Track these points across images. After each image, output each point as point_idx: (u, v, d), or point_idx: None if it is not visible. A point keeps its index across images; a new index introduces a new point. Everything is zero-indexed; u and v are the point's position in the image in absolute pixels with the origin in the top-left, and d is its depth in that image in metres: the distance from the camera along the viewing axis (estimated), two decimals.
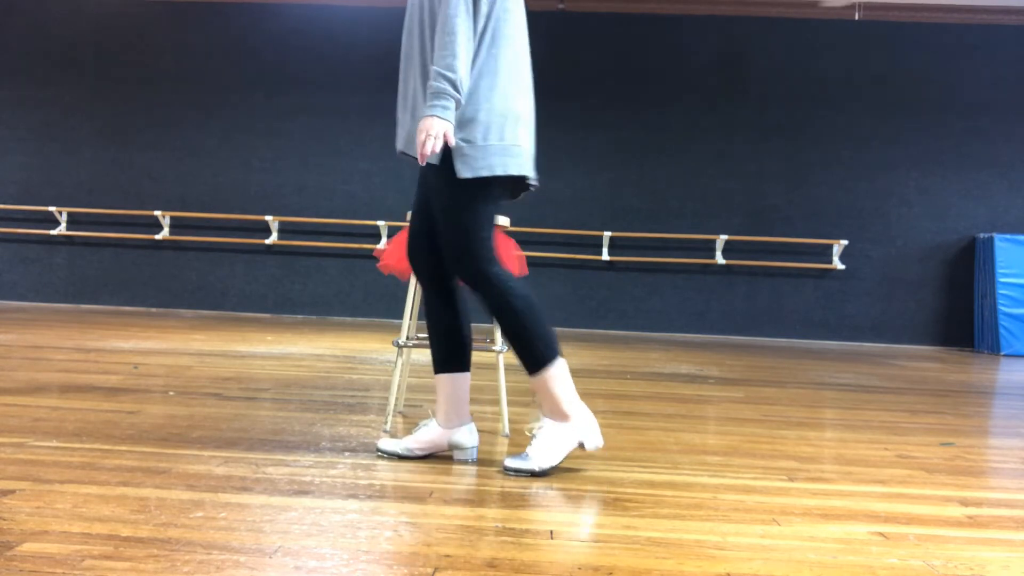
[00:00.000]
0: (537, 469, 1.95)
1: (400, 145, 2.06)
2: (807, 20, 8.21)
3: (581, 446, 2.00)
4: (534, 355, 1.96)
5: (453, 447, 2.08)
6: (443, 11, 1.86)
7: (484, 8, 1.92)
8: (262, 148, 8.38)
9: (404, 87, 2.04)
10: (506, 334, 1.98)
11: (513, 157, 1.95)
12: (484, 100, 1.93)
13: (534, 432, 2.01)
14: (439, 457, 2.11)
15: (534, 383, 1.99)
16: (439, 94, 1.82)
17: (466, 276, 1.97)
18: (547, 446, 1.97)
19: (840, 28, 8.21)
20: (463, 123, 1.91)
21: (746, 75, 8.21)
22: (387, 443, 2.10)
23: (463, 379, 2.09)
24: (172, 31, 8.51)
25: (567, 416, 1.98)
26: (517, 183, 2.10)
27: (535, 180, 2.08)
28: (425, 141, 1.80)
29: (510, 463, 1.97)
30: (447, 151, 1.92)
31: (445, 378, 2.08)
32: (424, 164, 1.88)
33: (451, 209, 1.94)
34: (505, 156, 1.93)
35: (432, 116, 1.81)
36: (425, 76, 1.97)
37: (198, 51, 8.48)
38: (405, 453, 2.08)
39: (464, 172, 1.90)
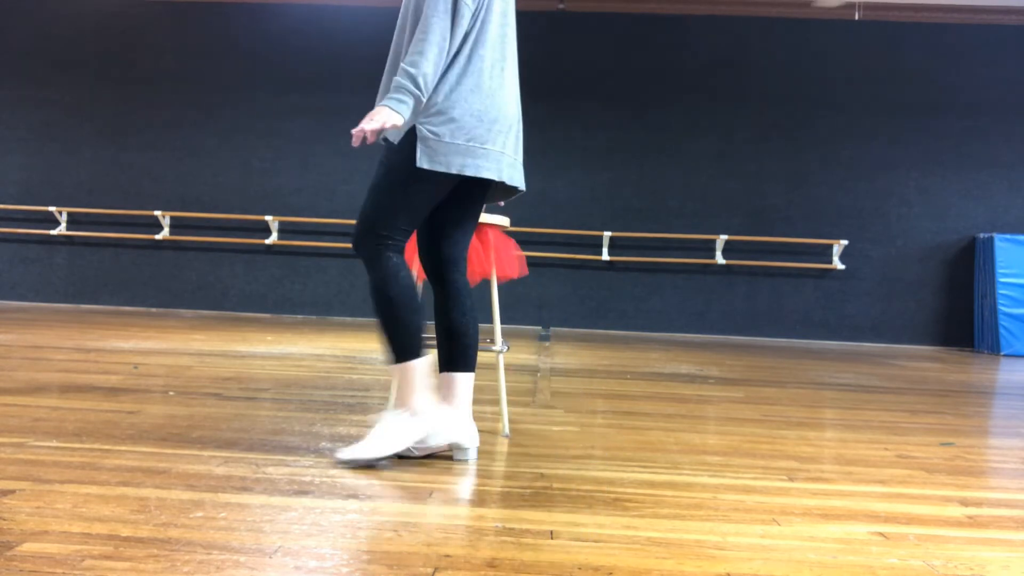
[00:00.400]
0: (370, 457, 1.96)
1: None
2: (807, 20, 8.21)
3: (457, 447, 2.05)
4: (396, 346, 1.99)
5: (453, 447, 2.08)
6: (424, 11, 1.89)
7: (468, 9, 1.92)
8: (262, 148, 8.38)
9: (386, 80, 2.08)
10: (378, 317, 2.01)
11: (478, 159, 1.95)
12: (463, 100, 1.94)
13: (379, 418, 2.05)
14: (439, 457, 2.11)
15: (394, 370, 2.02)
16: (399, 88, 1.85)
17: (363, 250, 1.98)
18: (385, 434, 1.98)
19: (840, 28, 8.21)
20: (438, 116, 1.92)
21: (746, 75, 8.21)
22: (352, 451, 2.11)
23: (466, 379, 2.09)
24: (172, 31, 8.51)
25: (413, 411, 2.00)
26: (504, 187, 2.13)
27: (517, 184, 2.07)
28: (364, 121, 1.81)
29: (342, 455, 1.98)
30: (412, 136, 1.93)
31: (449, 377, 2.09)
32: (358, 143, 1.90)
33: (383, 185, 1.96)
34: (467, 157, 1.94)
35: (384, 106, 1.83)
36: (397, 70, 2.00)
37: (198, 51, 8.48)
38: (405, 453, 2.08)
39: (422, 161, 1.91)
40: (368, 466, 1.97)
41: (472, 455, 2.08)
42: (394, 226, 1.96)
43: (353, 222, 8.08)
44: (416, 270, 2.37)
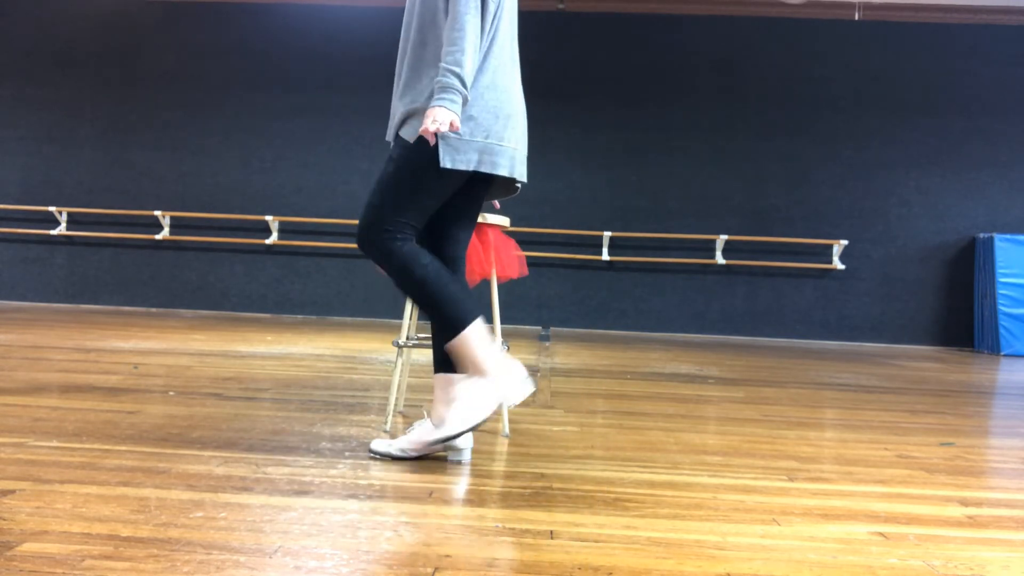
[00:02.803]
0: (459, 431, 1.94)
1: (390, 136, 2.08)
2: (807, 20, 8.21)
3: (446, 451, 2.03)
4: (447, 321, 1.95)
5: (447, 448, 2.08)
6: (453, 8, 1.88)
7: (492, 7, 1.94)
8: (262, 148, 8.38)
9: (398, 80, 2.07)
10: (418, 304, 1.98)
11: (496, 156, 1.96)
12: (481, 97, 1.95)
13: (454, 394, 1.99)
14: (438, 457, 2.11)
15: (451, 349, 1.98)
16: (446, 88, 1.84)
17: (370, 248, 1.96)
18: (464, 407, 1.95)
19: (840, 28, 8.21)
20: None
21: (746, 75, 8.21)
22: (380, 444, 2.09)
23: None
24: (172, 31, 8.51)
25: (486, 373, 1.97)
26: (506, 183, 2.13)
27: (522, 179, 2.08)
28: (428, 123, 1.81)
29: (436, 434, 1.96)
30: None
31: (443, 378, 2.08)
32: (406, 134, 1.88)
33: (393, 182, 1.94)
34: (487, 154, 1.95)
35: (439, 107, 1.82)
36: (414, 68, 1.98)
37: (198, 51, 8.48)
38: (399, 454, 2.07)
39: (445, 161, 1.91)
40: (375, 462, 1.97)
41: (466, 457, 2.08)
42: (402, 222, 1.95)
43: (354, 222, 8.08)
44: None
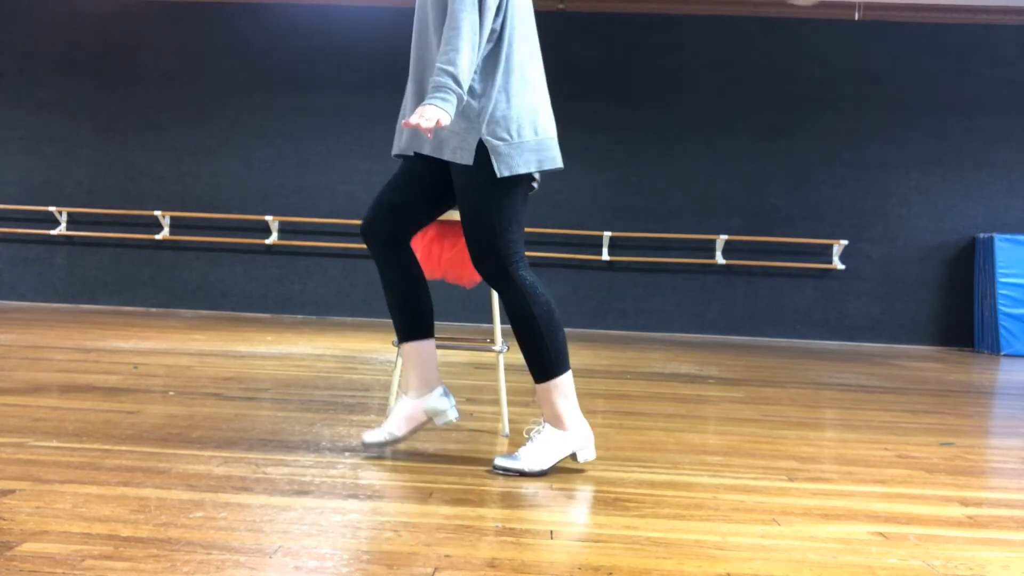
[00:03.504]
0: (527, 470, 1.95)
1: (401, 146, 2.07)
2: (807, 20, 8.21)
3: (573, 456, 2.01)
4: (543, 364, 1.98)
5: (432, 414, 2.08)
6: (450, 7, 1.87)
7: (492, 3, 1.91)
8: (262, 148, 8.38)
9: (417, 87, 2.05)
10: (519, 338, 2.00)
11: (547, 151, 1.98)
12: (512, 96, 1.94)
13: (531, 434, 2.02)
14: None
15: (539, 390, 2.01)
16: (439, 87, 1.83)
17: (489, 276, 1.98)
18: (540, 450, 1.97)
19: (840, 28, 8.21)
20: (494, 122, 1.92)
21: (746, 75, 8.21)
22: (372, 435, 2.11)
23: (428, 346, 2.09)
24: (172, 31, 8.51)
25: (566, 427, 1.99)
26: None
27: (558, 167, 2.09)
28: (414, 118, 1.79)
29: (500, 461, 1.98)
30: (482, 151, 1.91)
31: (411, 347, 2.08)
32: (449, 156, 1.87)
33: (480, 208, 1.94)
34: (540, 152, 1.96)
35: (431, 104, 1.81)
36: (423, 73, 1.98)
37: (198, 51, 8.48)
38: (389, 438, 2.08)
39: (503, 171, 1.90)
40: (375, 462, 1.97)
41: (453, 415, 2.08)
42: (512, 244, 1.96)
43: (353, 222, 8.09)
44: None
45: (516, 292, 1.96)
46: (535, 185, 2.10)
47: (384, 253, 2.06)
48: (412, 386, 2.08)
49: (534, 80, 2.00)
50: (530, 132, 1.94)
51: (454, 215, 2.30)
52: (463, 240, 2.37)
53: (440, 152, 1.97)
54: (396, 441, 2.09)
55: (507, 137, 1.92)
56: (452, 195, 2.12)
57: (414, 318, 2.07)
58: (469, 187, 1.95)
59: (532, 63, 2.02)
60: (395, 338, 2.47)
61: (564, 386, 1.99)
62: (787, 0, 7.98)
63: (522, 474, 1.95)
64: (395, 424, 2.08)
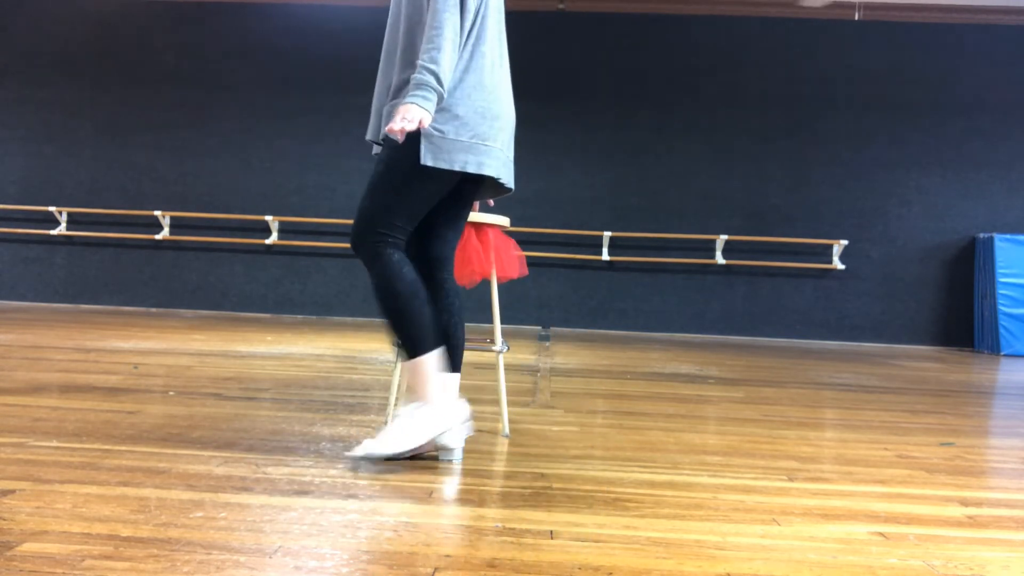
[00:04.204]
0: (388, 453, 1.93)
1: (371, 136, 2.07)
2: (807, 20, 8.21)
3: (442, 451, 2.02)
4: (409, 341, 1.96)
5: (439, 448, 2.07)
6: (432, 5, 1.86)
7: (472, 5, 1.92)
8: (262, 148, 8.38)
9: (383, 79, 2.05)
10: (385, 315, 1.98)
11: (480, 156, 1.94)
12: (467, 97, 1.93)
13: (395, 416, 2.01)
14: (436, 457, 2.10)
15: (407, 366, 2.00)
16: (421, 85, 1.82)
17: (362, 250, 1.96)
18: (403, 430, 1.95)
19: (840, 28, 8.21)
20: (442, 113, 1.91)
21: (746, 75, 8.21)
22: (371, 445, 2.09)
23: (451, 380, 2.08)
24: (172, 31, 8.51)
25: (431, 404, 1.98)
26: (496, 185, 2.10)
27: (508, 183, 2.07)
28: (397, 120, 1.79)
29: (359, 450, 1.95)
30: (415, 134, 1.91)
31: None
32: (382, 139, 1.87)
33: (385, 180, 1.94)
34: (471, 154, 1.93)
35: (412, 103, 1.81)
36: (406, 71, 1.97)
37: (198, 51, 8.48)
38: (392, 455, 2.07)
39: (427, 159, 1.89)
40: (379, 463, 1.97)
41: (458, 456, 2.08)
42: (393, 224, 1.94)
43: (353, 222, 8.09)
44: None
45: (383, 268, 1.93)
46: (509, 189, 2.09)
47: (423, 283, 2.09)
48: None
49: (492, 87, 1.97)
50: (469, 134, 1.92)
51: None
52: (462, 241, 2.36)
53: (380, 133, 2.00)
54: (394, 459, 2.07)
55: (445, 131, 1.90)
56: (464, 201, 2.11)
57: (445, 351, 2.07)
58: (384, 161, 1.95)
59: (495, 71, 1.99)
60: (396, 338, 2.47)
61: (433, 364, 1.97)
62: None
63: (382, 457, 1.93)
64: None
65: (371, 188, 1.96)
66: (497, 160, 1.99)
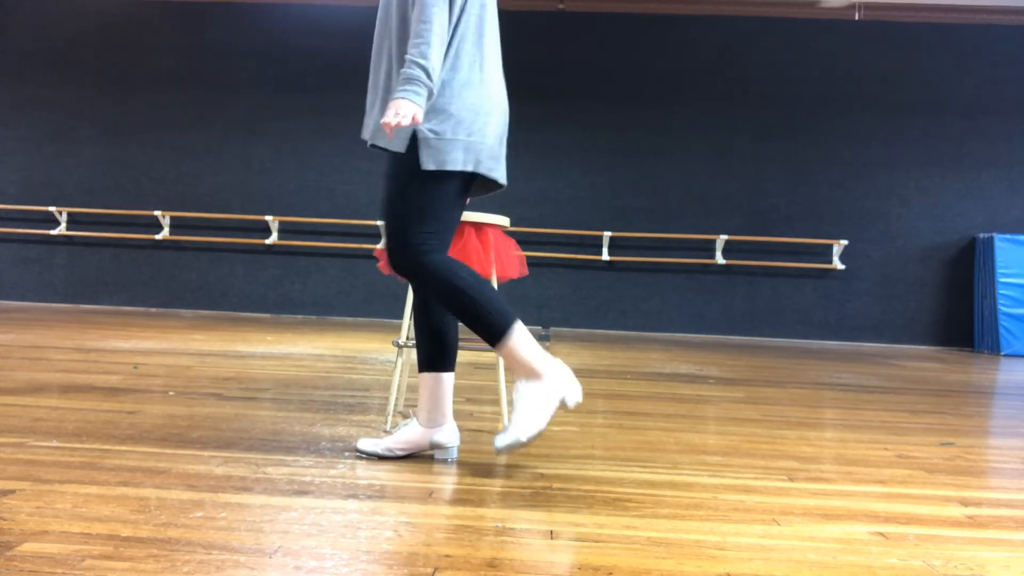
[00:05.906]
0: (524, 438, 1.88)
1: (367, 135, 2.04)
2: (807, 20, 8.21)
3: (563, 404, 1.96)
4: (491, 327, 1.91)
5: (434, 447, 2.07)
6: (419, 1, 1.84)
7: (459, 1, 1.90)
8: (262, 148, 8.38)
9: (375, 77, 2.02)
10: (458, 315, 1.93)
11: (478, 154, 1.93)
12: (458, 95, 1.91)
13: (515, 402, 1.94)
14: (433, 457, 2.10)
15: (501, 354, 1.95)
16: (411, 80, 1.80)
17: (403, 267, 1.93)
18: (528, 411, 1.91)
19: (840, 28, 8.21)
20: (435, 113, 1.89)
21: (746, 75, 8.21)
22: (367, 443, 2.09)
23: (447, 379, 2.08)
24: (172, 31, 8.51)
25: (540, 375, 1.94)
26: (487, 182, 2.07)
27: (502, 180, 2.05)
28: (390, 115, 1.76)
29: (498, 442, 1.90)
30: (413, 140, 1.89)
31: (429, 377, 2.06)
32: (384, 143, 1.84)
33: (398, 195, 1.91)
34: (470, 152, 1.91)
35: (403, 99, 1.79)
36: (398, 64, 1.95)
37: (198, 51, 8.48)
38: (386, 453, 2.06)
39: (428, 163, 1.87)
40: (378, 463, 1.97)
41: (453, 455, 2.07)
42: (422, 232, 1.90)
43: (353, 222, 8.09)
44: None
45: (435, 275, 1.89)
46: (502, 185, 2.07)
47: (412, 283, 2.07)
48: (424, 415, 2.06)
49: (481, 82, 1.95)
50: (465, 132, 1.90)
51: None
52: (462, 241, 2.36)
53: (376, 139, 1.97)
54: (390, 458, 2.07)
55: (441, 132, 1.88)
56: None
57: (438, 350, 2.06)
58: (392, 174, 1.93)
59: (482, 65, 1.96)
60: (396, 338, 2.47)
61: (524, 337, 1.93)
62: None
63: (523, 444, 1.89)
64: (397, 443, 2.06)
65: (387, 206, 1.93)
66: (492, 158, 1.98)
